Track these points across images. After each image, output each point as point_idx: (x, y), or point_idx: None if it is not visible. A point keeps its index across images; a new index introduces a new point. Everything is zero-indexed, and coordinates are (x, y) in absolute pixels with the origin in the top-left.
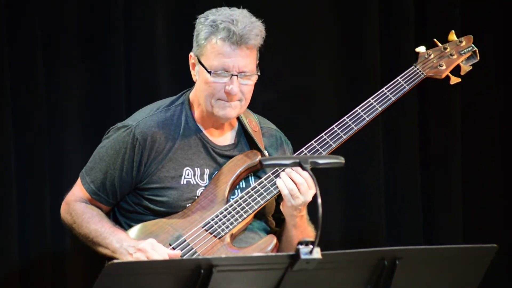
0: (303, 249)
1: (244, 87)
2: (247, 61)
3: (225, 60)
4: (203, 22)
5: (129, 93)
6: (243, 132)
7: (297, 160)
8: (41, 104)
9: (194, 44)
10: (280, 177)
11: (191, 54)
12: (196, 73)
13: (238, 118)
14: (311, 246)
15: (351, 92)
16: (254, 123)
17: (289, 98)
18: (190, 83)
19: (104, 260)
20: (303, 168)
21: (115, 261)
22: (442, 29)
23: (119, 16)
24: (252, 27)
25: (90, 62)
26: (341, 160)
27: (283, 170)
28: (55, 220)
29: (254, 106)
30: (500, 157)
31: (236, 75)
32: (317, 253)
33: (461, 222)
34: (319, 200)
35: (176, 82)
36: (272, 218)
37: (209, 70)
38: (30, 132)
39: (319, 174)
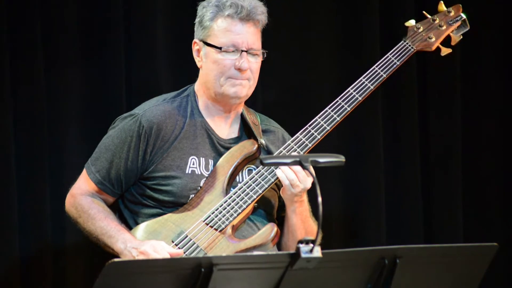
0: (304, 248)
1: (253, 64)
2: (254, 38)
3: (234, 36)
4: (207, 5)
5: (129, 93)
6: (245, 126)
7: (298, 159)
8: (41, 104)
9: (198, 29)
10: (279, 168)
11: (195, 40)
12: (202, 56)
13: (241, 113)
14: (311, 245)
15: None
16: (253, 117)
17: (289, 98)
18: (190, 83)
19: (105, 259)
20: (304, 167)
21: (115, 260)
22: None
23: (119, 16)
24: (257, 4)
25: (90, 62)
26: (342, 158)
27: None
28: (55, 220)
29: (254, 105)
30: (501, 156)
31: (246, 51)
32: (317, 252)
33: (461, 223)
34: (320, 199)
35: (176, 82)
36: (275, 217)
37: (219, 46)
38: (30, 132)
39: (320, 173)
